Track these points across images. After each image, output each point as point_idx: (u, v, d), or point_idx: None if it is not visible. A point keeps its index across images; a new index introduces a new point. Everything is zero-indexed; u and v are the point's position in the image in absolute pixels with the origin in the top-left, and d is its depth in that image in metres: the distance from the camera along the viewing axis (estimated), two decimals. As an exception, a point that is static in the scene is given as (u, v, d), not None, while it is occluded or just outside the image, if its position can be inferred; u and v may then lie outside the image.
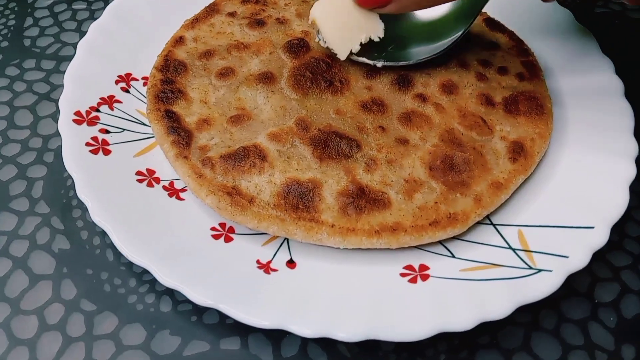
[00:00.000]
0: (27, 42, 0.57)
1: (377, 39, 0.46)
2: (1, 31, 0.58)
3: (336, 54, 0.47)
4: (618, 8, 0.65)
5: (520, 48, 0.53)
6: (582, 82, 0.51)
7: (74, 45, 0.56)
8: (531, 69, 0.51)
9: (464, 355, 0.39)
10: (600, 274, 0.43)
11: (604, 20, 0.64)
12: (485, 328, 0.37)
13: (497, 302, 0.37)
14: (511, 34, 0.54)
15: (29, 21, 0.59)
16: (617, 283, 0.43)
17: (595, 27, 0.55)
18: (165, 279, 0.37)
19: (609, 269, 0.43)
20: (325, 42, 0.47)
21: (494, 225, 0.43)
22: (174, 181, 0.44)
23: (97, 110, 0.47)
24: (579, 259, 0.39)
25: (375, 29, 0.46)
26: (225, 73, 0.48)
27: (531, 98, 0.48)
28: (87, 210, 0.40)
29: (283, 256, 0.40)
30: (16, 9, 0.60)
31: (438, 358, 0.39)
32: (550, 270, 0.38)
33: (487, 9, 0.56)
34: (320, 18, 0.46)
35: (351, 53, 0.47)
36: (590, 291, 0.42)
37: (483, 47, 0.52)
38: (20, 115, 0.51)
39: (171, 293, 0.40)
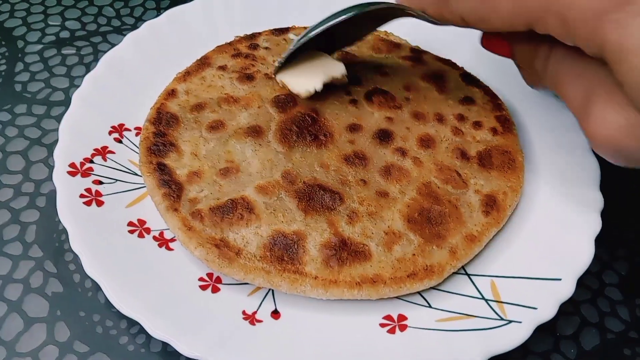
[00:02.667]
0: (18, 87, 0.59)
1: (340, 77, 0.51)
2: (-7, 76, 0.60)
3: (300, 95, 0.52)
4: None
5: (494, 103, 0.56)
6: (553, 137, 0.54)
7: (65, 91, 0.59)
8: (504, 124, 0.54)
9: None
10: (562, 308, 0.45)
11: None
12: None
13: (470, 354, 0.39)
14: (486, 89, 0.57)
15: (20, 66, 0.61)
16: (577, 317, 0.46)
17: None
18: (156, 332, 0.38)
19: (570, 304, 0.46)
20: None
21: (468, 275, 0.45)
22: (163, 231, 0.46)
23: (91, 162, 0.49)
24: (547, 311, 0.41)
25: (336, 69, 0.51)
26: (216, 126, 0.51)
27: (504, 152, 0.51)
28: (79, 256, 0.41)
29: (268, 306, 0.42)
30: (7, 53, 0.62)
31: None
32: (520, 322, 0.40)
33: (464, 64, 0.60)
34: (283, 75, 0.52)
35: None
36: (553, 325, 0.45)
37: (459, 101, 0.56)
38: (12, 160, 0.53)
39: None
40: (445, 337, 0.40)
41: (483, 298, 0.43)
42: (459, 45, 0.62)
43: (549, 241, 0.46)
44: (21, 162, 0.52)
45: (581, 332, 0.45)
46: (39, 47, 0.63)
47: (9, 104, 0.57)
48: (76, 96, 0.52)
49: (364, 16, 0.47)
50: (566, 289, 0.42)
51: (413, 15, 0.44)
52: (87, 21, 0.67)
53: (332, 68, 0.51)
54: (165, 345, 0.42)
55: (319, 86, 0.50)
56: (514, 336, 0.40)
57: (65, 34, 0.65)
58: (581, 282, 0.47)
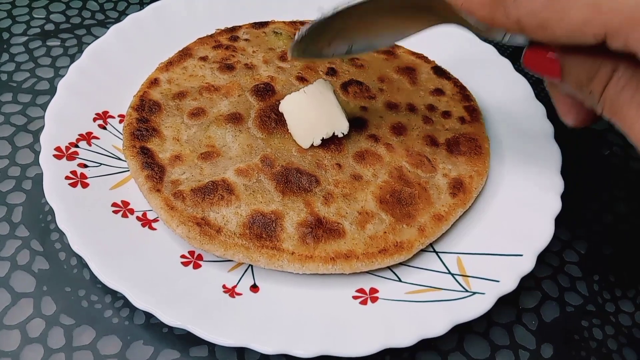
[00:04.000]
0: (3, 77, 0.60)
1: (340, 135, 0.51)
2: (-22, 67, 0.61)
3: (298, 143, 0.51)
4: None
5: (463, 94, 0.59)
6: (518, 126, 0.57)
7: (50, 80, 0.60)
8: (472, 113, 0.57)
9: (405, 356, 0.44)
10: (524, 283, 0.48)
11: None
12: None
13: (436, 322, 0.41)
14: (455, 81, 0.60)
15: (5, 57, 0.62)
16: (538, 291, 0.49)
17: (529, 75, 0.62)
18: (139, 302, 0.40)
19: (532, 279, 0.49)
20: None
21: (437, 252, 0.48)
22: (146, 212, 0.48)
23: (76, 146, 0.50)
24: (509, 284, 0.44)
25: (339, 126, 0.51)
26: (197, 113, 0.53)
27: (471, 139, 0.54)
28: (65, 234, 0.43)
29: (247, 281, 0.44)
30: (-8, 45, 0.64)
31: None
32: (483, 293, 0.43)
33: (435, 58, 0.63)
34: (287, 112, 0.51)
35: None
36: (516, 298, 0.48)
37: (430, 92, 0.59)
38: (-1, 145, 0.54)
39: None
40: (414, 307, 0.43)
41: (449, 272, 0.46)
42: (432, 41, 0.65)
43: (512, 221, 0.49)
44: (7, 147, 0.54)
45: (542, 306, 0.48)
46: (24, 38, 0.65)
47: (-6, 92, 0.59)
48: (61, 85, 0.54)
49: (391, 13, 0.41)
50: (527, 264, 0.45)
51: (451, 21, 0.39)
52: (71, 14, 0.69)
53: (336, 124, 0.50)
54: (148, 317, 0.44)
55: (317, 142, 0.51)
56: (478, 306, 0.43)
57: (50, 27, 0.67)
58: (543, 259, 0.51)
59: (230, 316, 0.41)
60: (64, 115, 0.52)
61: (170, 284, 0.42)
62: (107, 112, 0.55)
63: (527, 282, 0.49)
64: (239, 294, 0.43)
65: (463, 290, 0.44)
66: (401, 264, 0.47)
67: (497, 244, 0.47)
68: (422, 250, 0.48)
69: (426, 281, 0.45)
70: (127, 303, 0.44)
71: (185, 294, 0.42)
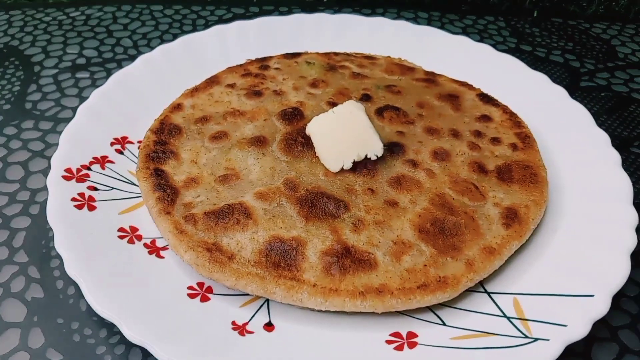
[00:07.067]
0: (28, 106, 0.59)
1: (374, 157, 0.45)
2: (5, 95, 0.60)
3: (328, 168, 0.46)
4: (603, 82, 0.67)
5: (514, 121, 0.53)
6: (577, 154, 0.50)
7: (74, 109, 0.58)
8: (525, 140, 0.50)
9: None
10: (598, 333, 0.40)
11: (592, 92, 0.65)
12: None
13: (489, 373, 0.33)
14: (505, 108, 0.54)
15: (33, 87, 0.61)
16: (615, 343, 0.40)
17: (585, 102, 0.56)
18: (132, 335, 0.34)
19: (607, 329, 0.41)
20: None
21: (488, 293, 0.40)
22: (156, 239, 0.43)
23: (88, 169, 0.47)
24: (579, 328, 0.36)
25: (373, 148, 0.45)
26: (219, 136, 0.49)
27: (525, 167, 0.47)
28: (61, 256, 0.38)
29: (261, 319, 0.38)
30: (22, 77, 0.63)
31: None
32: (547, 340, 0.35)
33: (481, 86, 0.57)
34: (315, 134, 0.47)
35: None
36: (587, 350, 0.39)
37: (476, 119, 0.53)
38: (12, 170, 0.51)
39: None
40: (462, 355, 0.35)
41: (505, 316, 0.38)
42: (477, 69, 0.60)
43: (579, 257, 0.41)
44: (20, 171, 0.51)
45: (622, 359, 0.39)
46: (54, 71, 0.64)
47: (16, 120, 0.57)
48: (81, 108, 0.52)
49: None
50: (600, 306, 0.37)
51: None
52: (104, 50, 0.68)
53: (369, 145, 0.45)
54: (145, 356, 0.37)
55: (347, 165, 0.45)
56: (541, 355, 0.34)
57: (81, 61, 0.66)
58: (618, 305, 0.42)
59: (238, 356, 0.34)
60: (80, 137, 0.49)
61: (171, 317, 0.36)
62: (126, 137, 0.51)
63: (601, 332, 0.40)
64: (250, 332, 0.37)
65: (522, 336, 0.36)
66: (445, 305, 0.39)
67: (562, 283, 0.39)
68: (471, 290, 0.40)
69: (476, 325, 0.38)
70: (123, 339, 0.38)
71: (187, 328, 0.36)
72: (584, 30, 0.78)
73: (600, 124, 0.52)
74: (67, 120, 0.56)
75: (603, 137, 0.51)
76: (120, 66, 0.65)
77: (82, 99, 0.60)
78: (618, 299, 0.42)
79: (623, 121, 0.62)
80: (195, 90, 0.55)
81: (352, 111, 0.46)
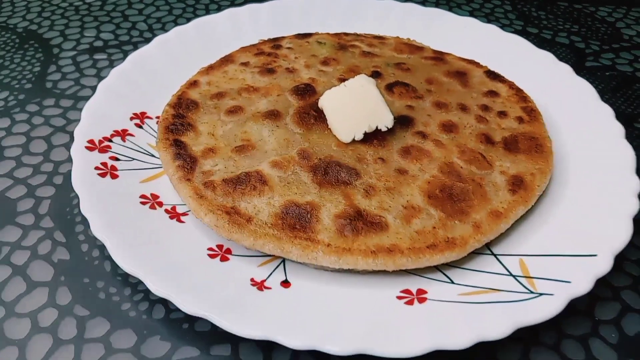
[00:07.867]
0: (49, 85, 0.61)
1: (384, 129, 0.47)
2: (26, 76, 0.62)
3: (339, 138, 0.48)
4: (607, 62, 0.68)
5: (520, 96, 0.54)
6: (582, 127, 0.52)
7: (93, 88, 0.60)
8: (530, 113, 0.52)
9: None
10: (600, 293, 0.42)
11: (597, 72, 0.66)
12: (483, 345, 0.35)
13: (495, 324, 0.35)
14: (511, 84, 0.56)
15: (52, 68, 0.63)
16: (617, 302, 0.42)
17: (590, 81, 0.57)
18: (157, 289, 0.36)
19: (609, 289, 0.42)
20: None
21: (495, 255, 0.42)
22: (176, 206, 0.45)
23: (110, 141, 0.49)
24: (582, 285, 0.37)
25: (383, 119, 0.47)
26: (234, 110, 0.51)
27: (531, 138, 0.49)
28: (89, 226, 0.40)
29: (278, 276, 0.40)
30: (42, 58, 0.65)
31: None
32: (552, 294, 0.37)
33: (489, 64, 0.59)
34: (327, 107, 0.48)
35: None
36: (591, 309, 0.41)
37: (483, 94, 0.54)
38: (35, 144, 0.53)
39: (164, 301, 0.40)
40: (469, 309, 0.37)
41: (511, 274, 0.40)
42: (485, 48, 0.62)
43: (583, 222, 0.43)
44: (43, 145, 0.53)
45: (623, 318, 0.40)
46: (73, 53, 0.66)
47: (38, 97, 0.59)
48: (101, 85, 0.54)
49: None
50: (602, 265, 0.39)
51: None
52: (120, 33, 0.70)
53: (379, 117, 0.47)
54: (168, 312, 0.39)
55: (359, 136, 0.47)
56: (546, 308, 0.36)
57: (99, 43, 0.68)
58: (621, 268, 0.44)
59: (257, 308, 0.36)
60: (101, 112, 0.51)
61: (193, 274, 0.38)
62: (145, 112, 0.53)
63: (604, 291, 0.42)
64: (268, 288, 0.39)
65: (527, 291, 0.38)
66: (453, 265, 0.41)
67: (566, 245, 0.41)
68: (478, 253, 0.42)
69: (483, 283, 0.39)
70: (146, 296, 0.40)
71: (209, 284, 0.38)
72: (590, 14, 0.79)
73: (604, 101, 0.53)
74: (87, 98, 0.58)
75: (607, 111, 0.52)
76: (136, 48, 0.67)
77: (101, 79, 0.62)
78: (621, 261, 0.44)
79: (627, 99, 0.63)
80: (210, 68, 0.57)
81: (363, 84, 0.48)
